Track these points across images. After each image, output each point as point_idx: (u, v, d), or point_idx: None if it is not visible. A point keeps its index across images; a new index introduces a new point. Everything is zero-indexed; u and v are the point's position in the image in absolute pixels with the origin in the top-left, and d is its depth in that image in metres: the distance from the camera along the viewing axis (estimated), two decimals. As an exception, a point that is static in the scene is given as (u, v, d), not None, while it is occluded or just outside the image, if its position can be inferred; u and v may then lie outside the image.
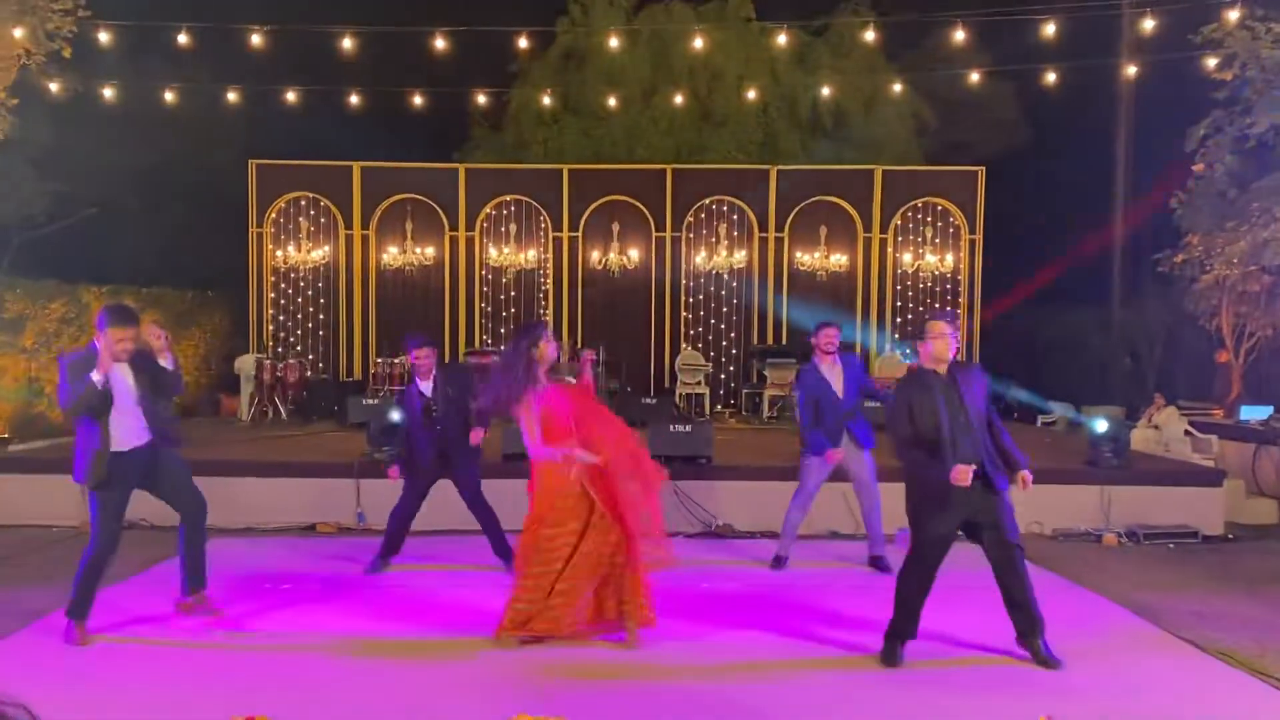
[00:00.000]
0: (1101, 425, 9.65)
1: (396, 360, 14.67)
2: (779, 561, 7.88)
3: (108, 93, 14.94)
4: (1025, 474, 5.60)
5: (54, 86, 14.07)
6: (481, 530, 7.55)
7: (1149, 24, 13.17)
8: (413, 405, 7.46)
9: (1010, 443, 5.62)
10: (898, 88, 19.47)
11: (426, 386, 7.47)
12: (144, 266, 18.86)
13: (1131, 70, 15.52)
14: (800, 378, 7.80)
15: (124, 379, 5.80)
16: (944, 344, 5.59)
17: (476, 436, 7.41)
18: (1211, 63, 13.36)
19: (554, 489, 5.76)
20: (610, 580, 5.78)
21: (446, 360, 15.41)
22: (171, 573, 6.61)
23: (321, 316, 16.31)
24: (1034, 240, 20.60)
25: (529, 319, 16.07)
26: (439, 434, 7.39)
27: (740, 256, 16.36)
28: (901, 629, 5.61)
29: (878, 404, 8.80)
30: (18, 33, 11.82)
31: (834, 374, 7.59)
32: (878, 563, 7.77)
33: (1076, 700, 5.02)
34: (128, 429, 5.83)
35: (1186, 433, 11.54)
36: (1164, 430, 11.65)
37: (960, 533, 5.60)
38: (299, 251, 16.22)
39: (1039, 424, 15.01)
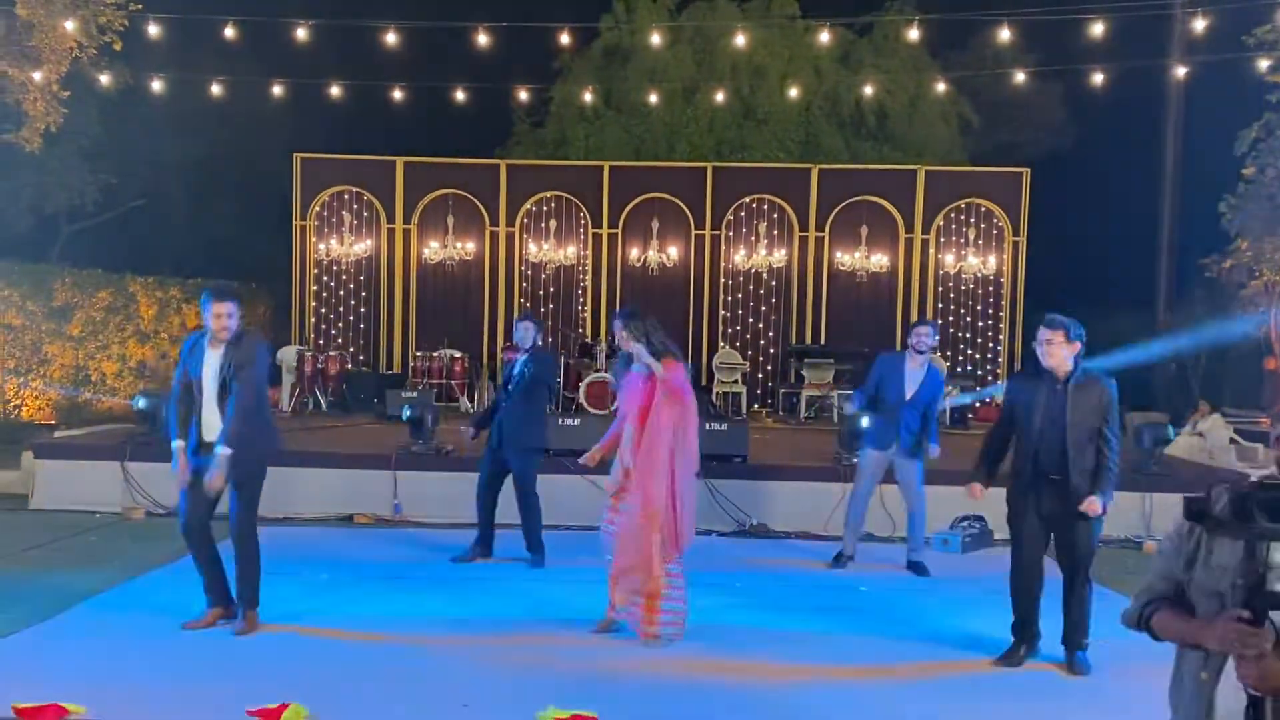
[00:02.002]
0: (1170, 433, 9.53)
1: (435, 354, 14.76)
2: (840, 559, 7.81)
3: (156, 86, 15.15)
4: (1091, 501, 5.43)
5: (104, 79, 14.30)
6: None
7: (1200, 25, 12.96)
8: (506, 374, 7.70)
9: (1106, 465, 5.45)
10: (942, 87, 19.34)
11: (518, 364, 7.60)
12: (189, 258, 19.18)
13: (1181, 71, 15.29)
14: (877, 364, 7.72)
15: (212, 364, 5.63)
16: (1042, 350, 5.45)
17: None
18: (1264, 65, 13.12)
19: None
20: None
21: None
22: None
23: (363, 310, 16.43)
24: (1079, 243, 20.40)
25: (568, 314, 16.16)
26: (504, 410, 7.49)
27: (780, 255, 16.28)
28: (1017, 630, 5.65)
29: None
30: (70, 26, 12.02)
31: (914, 373, 7.48)
32: (916, 568, 7.72)
33: (1113, 709, 4.96)
34: (210, 423, 5.67)
35: (1232, 440, 11.37)
36: (1208, 437, 11.49)
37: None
38: (341, 245, 16.34)
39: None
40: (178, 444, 5.66)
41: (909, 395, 7.43)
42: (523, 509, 7.55)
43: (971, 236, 16.22)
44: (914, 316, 16.09)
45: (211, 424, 5.64)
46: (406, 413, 9.76)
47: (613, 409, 6.06)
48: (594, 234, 16.31)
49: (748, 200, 16.35)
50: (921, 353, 7.51)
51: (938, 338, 7.75)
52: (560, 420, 9.70)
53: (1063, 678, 5.42)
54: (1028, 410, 5.46)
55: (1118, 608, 6.80)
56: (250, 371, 5.64)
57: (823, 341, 15.91)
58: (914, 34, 17.69)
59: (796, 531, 8.90)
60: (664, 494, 5.62)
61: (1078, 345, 5.39)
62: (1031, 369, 5.66)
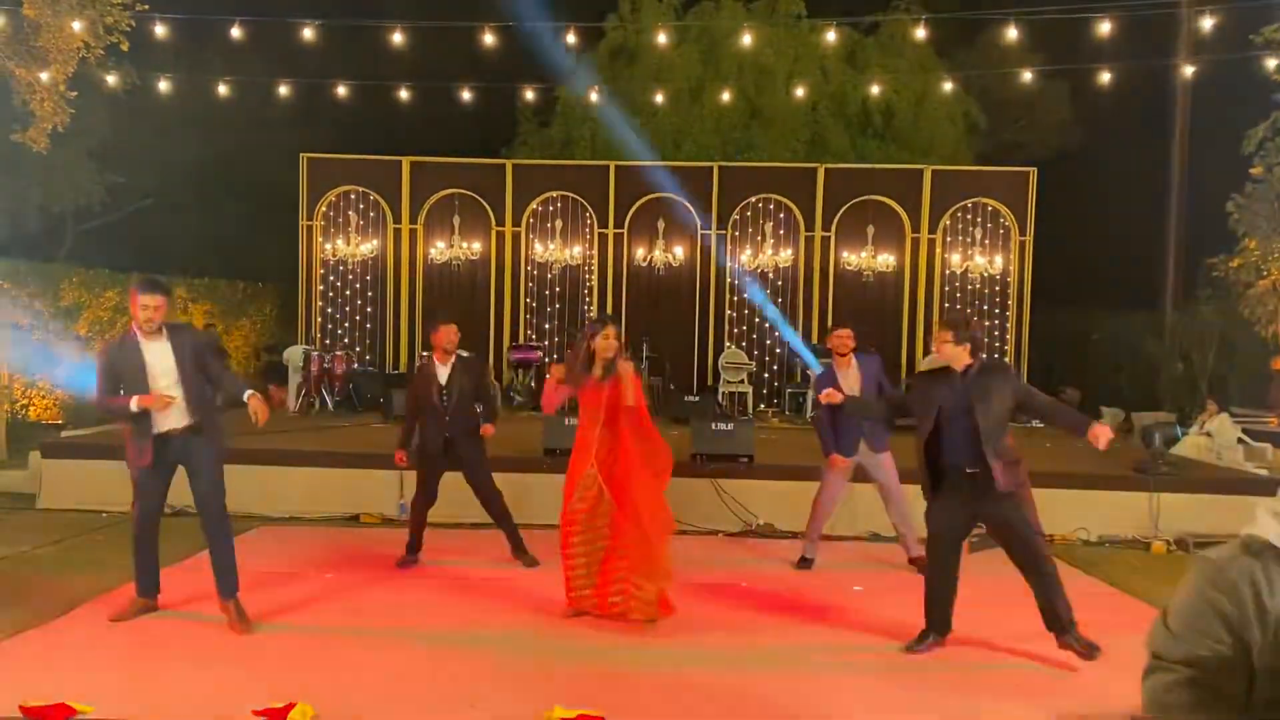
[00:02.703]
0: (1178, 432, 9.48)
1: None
2: (804, 563, 7.86)
3: (163, 86, 15.18)
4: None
5: (111, 79, 14.33)
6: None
7: (1208, 24, 12.92)
8: (426, 387, 7.48)
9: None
10: (948, 87, 19.31)
11: (443, 372, 7.47)
12: (196, 257, 19.20)
13: (1189, 70, 15.25)
14: (816, 380, 7.79)
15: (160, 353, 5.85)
16: (936, 346, 5.82)
17: (487, 430, 7.55)
18: (1272, 64, 13.08)
19: (573, 470, 6.13)
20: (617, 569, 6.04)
21: (489, 352, 15.61)
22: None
23: (369, 310, 16.45)
24: (1086, 242, 20.35)
25: (574, 314, 16.16)
26: (446, 423, 7.41)
27: (786, 255, 16.27)
28: (928, 622, 5.80)
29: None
30: (77, 26, 12.03)
31: (848, 376, 7.51)
32: (919, 563, 7.69)
33: (1122, 708, 4.95)
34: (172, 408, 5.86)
35: (1240, 440, 11.34)
36: (1216, 437, 11.46)
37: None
38: (348, 245, 16.37)
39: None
40: (127, 402, 5.76)
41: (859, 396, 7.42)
42: (498, 516, 7.57)
43: (978, 236, 16.20)
44: (920, 316, 16.09)
45: (172, 410, 5.81)
46: None
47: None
48: (600, 234, 16.31)
49: (754, 200, 16.34)
50: (844, 355, 7.60)
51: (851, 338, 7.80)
52: (566, 420, 9.70)
53: (1067, 675, 5.40)
54: (936, 406, 5.62)
55: (1124, 607, 6.80)
56: (223, 359, 5.99)
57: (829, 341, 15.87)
58: (920, 33, 17.69)
59: (803, 532, 8.88)
60: (655, 484, 5.95)
61: (967, 346, 5.62)
62: (936, 369, 5.88)
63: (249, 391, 6.03)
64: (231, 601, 5.91)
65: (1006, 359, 16.11)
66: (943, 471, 5.61)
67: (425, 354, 7.76)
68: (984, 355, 5.73)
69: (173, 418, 5.83)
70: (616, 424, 5.97)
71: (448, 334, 7.48)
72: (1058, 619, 5.55)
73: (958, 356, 5.63)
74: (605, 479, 5.97)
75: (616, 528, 5.97)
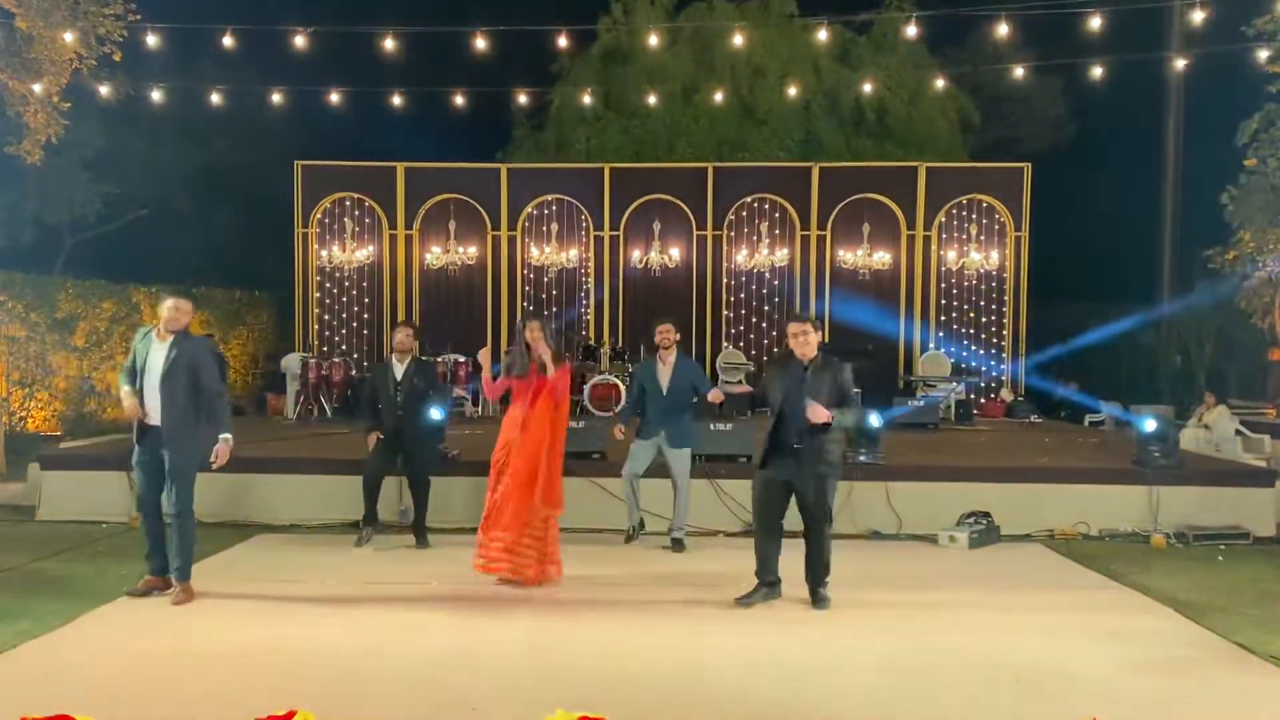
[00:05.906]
0: (1150, 424, 9.46)
1: (439, 360, 14.75)
2: (633, 532, 8.46)
3: (157, 96, 15.17)
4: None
5: (105, 90, 14.32)
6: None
7: (1199, 16, 12.92)
8: (385, 382, 8.34)
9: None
10: (941, 83, 19.33)
11: (399, 369, 8.30)
12: (192, 266, 19.22)
13: (1181, 64, 15.27)
14: (640, 366, 8.54)
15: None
16: (798, 340, 6.38)
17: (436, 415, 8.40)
18: (1263, 55, 13.10)
19: (503, 435, 7.22)
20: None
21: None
22: (213, 569, 6.76)
23: (366, 316, 16.45)
24: (1082, 237, 20.37)
25: (570, 318, 16.17)
26: (399, 417, 8.23)
27: (782, 254, 16.28)
28: (759, 579, 6.61)
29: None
30: (69, 37, 12.02)
31: (664, 369, 8.19)
32: (676, 545, 8.26)
33: (1124, 704, 4.94)
34: (152, 406, 6.36)
35: (1238, 432, 11.35)
36: (1214, 430, 11.48)
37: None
38: (344, 251, 16.37)
39: (1086, 424, 14.82)
40: (127, 388, 6.41)
41: (666, 389, 8.14)
42: (423, 500, 8.29)
43: (973, 232, 16.22)
44: (917, 313, 16.10)
45: (152, 405, 6.36)
46: None
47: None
48: (596, 236, 16.32)
49: (749, 200, 16.35)
50: (667, 348, 8.22)
51: (678, 334, 8.51)
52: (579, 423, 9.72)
53: (1070, 673, 5.41)
54: (779, 390, 6.37)
55: (1124, 601, 6.79)
56: (212, 369, 6.58)
57: (826, 340, 15.88)
58: (912, 31, 17.68)
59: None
60: (542, 462, 6.87)
61: (820, 335, 6.47)
62: (782, 356, 6.63)
63: (224, 435, 6.52)
64: (184, 584, 6.49)
65: (1004, 354, 16.14)
66: (775, 445, 6.36)
67: (390, 354, 8.71)
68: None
69: (154, 415, 6.36)
70: (538, 404, 6.97)
71: (398, 336, 8.38)
72: (814, 578, 6.49)
73: (814, 347, 6.37)
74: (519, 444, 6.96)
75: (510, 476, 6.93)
